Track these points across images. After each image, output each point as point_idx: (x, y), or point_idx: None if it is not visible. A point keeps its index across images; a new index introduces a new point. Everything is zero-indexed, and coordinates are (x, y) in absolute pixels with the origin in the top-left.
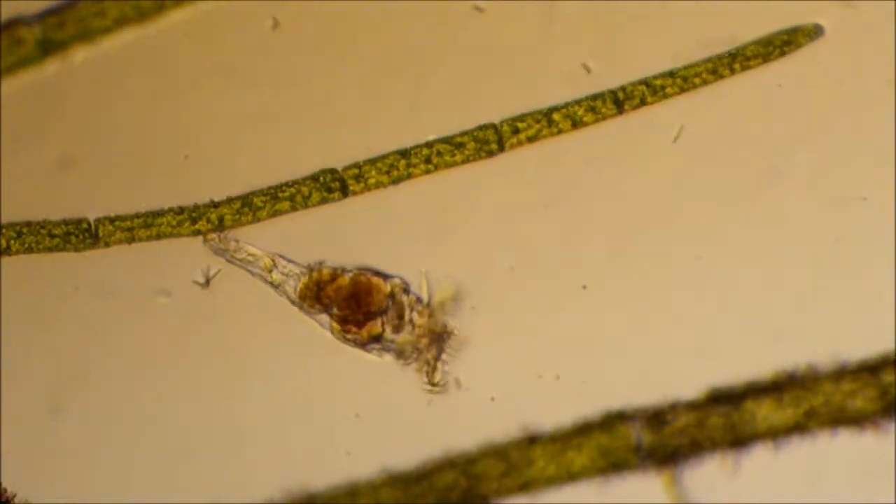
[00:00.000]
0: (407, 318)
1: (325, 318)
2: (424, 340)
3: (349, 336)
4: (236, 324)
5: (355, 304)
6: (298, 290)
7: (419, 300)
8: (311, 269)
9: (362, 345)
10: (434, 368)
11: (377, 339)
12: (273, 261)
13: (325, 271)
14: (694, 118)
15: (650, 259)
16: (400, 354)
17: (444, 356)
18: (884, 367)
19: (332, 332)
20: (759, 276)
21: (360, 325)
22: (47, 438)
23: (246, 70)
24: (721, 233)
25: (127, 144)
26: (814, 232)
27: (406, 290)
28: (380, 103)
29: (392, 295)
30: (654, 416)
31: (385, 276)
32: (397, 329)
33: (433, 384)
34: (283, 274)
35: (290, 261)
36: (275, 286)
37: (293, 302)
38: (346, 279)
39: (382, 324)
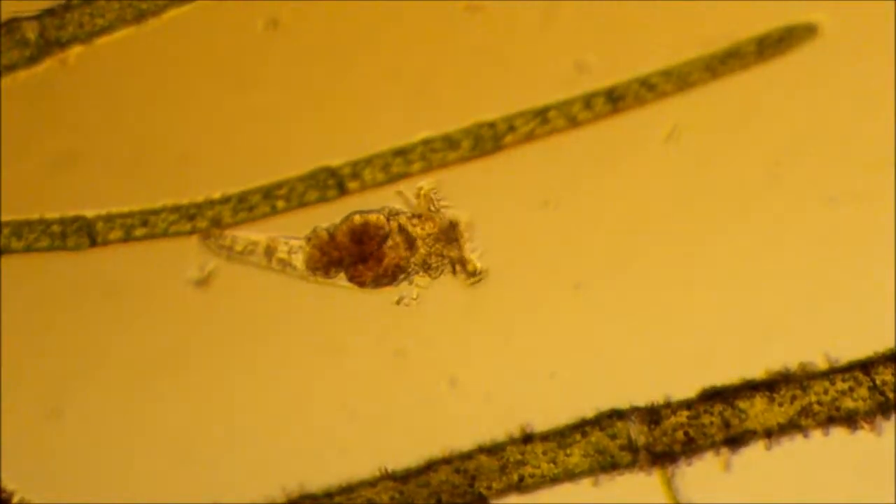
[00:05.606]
0: (413, 234)
1: (343, 279)
2: (439, 244)
3: (380, 281)
4: (235, 322)
5: (361, 245)
6: (305, 261)
7: (412, 215)
8: (308, 239)
9: (391, 282)
10: (464, 261)
11: (400, 268)
12: (273, 243)
13: (322, 234)
14: (690, 117)
15: (645, 258)
16: (427, 270)
17: (464, 245)
18: (878, 365)
19: (359, 285)
20: (754, 274)
21: (376, 262)
22: (47, 438)
23: (243, 68)
24: (717, 232)
25: (124, 143)
26: (810, 231)
27: (395, 214)
28: (377, 101)
29: (388, 221)
30: (649, 414)
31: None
32: (411, 249)
33: (472, 274)
34: (286, 252)
35: (288, 238)
36: (281, 267)
37: (305, 276)
38: (341, 230)
39: (395, 250)
